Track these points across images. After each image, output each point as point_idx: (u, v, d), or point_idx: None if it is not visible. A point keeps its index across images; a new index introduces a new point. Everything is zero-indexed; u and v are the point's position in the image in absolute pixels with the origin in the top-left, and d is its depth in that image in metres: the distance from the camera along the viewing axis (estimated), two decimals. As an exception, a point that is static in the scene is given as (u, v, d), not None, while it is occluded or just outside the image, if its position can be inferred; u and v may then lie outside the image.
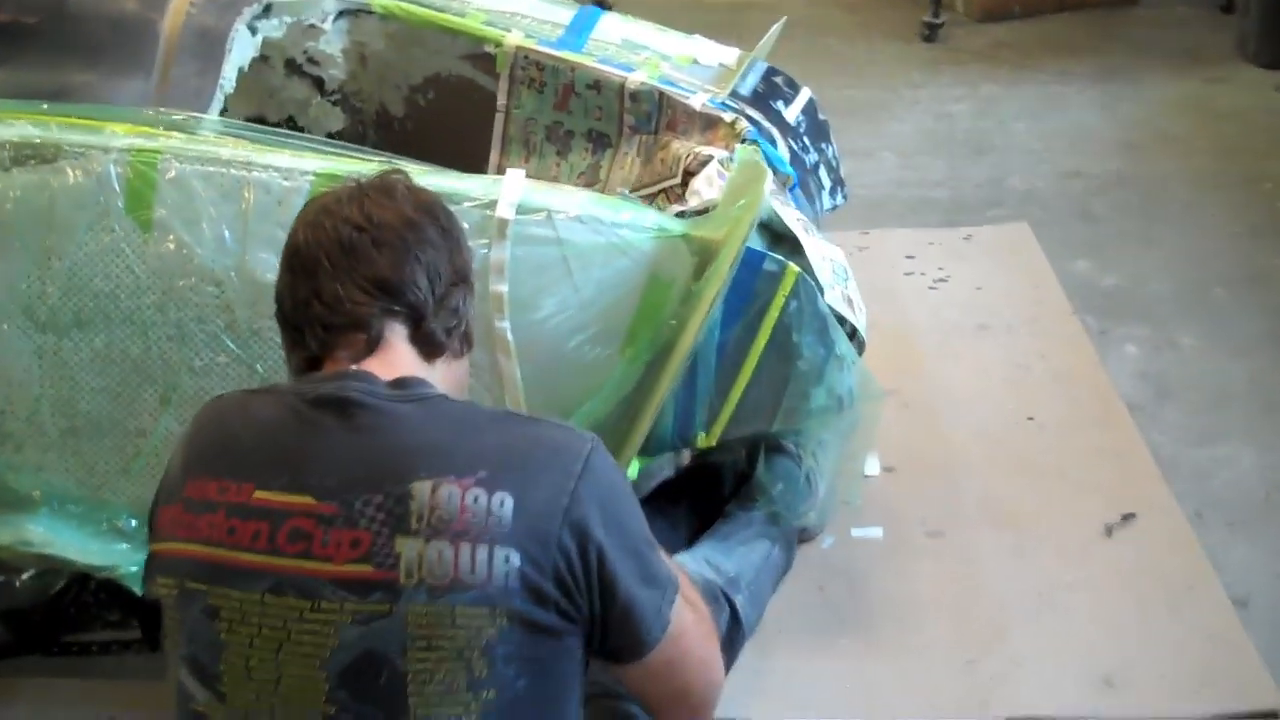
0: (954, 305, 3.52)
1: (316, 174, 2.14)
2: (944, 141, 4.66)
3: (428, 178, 2.16)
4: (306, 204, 1.76)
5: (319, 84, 3.20)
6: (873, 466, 2.84)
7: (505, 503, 1.47)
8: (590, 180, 3.11)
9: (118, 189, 2.09)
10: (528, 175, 3.12)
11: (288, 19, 2.69)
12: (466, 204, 2.15)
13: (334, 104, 3.25)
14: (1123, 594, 2.44)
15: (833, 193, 3.17)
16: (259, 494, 1.51)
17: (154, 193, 2.10)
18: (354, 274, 1.62)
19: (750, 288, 2.24)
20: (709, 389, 2.26)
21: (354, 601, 1.46)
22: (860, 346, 2.47)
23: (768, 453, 2.47)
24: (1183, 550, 2.54)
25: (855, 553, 2.58)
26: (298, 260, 1.67)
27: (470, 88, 3.17)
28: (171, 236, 2.10)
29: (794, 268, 2.25)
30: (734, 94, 2.98)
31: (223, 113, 3.03)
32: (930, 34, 5.68)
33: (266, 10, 2.59)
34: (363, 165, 2.18)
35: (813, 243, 2.42)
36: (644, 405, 2.19)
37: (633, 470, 2.27)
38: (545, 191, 2.22)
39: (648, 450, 2.29)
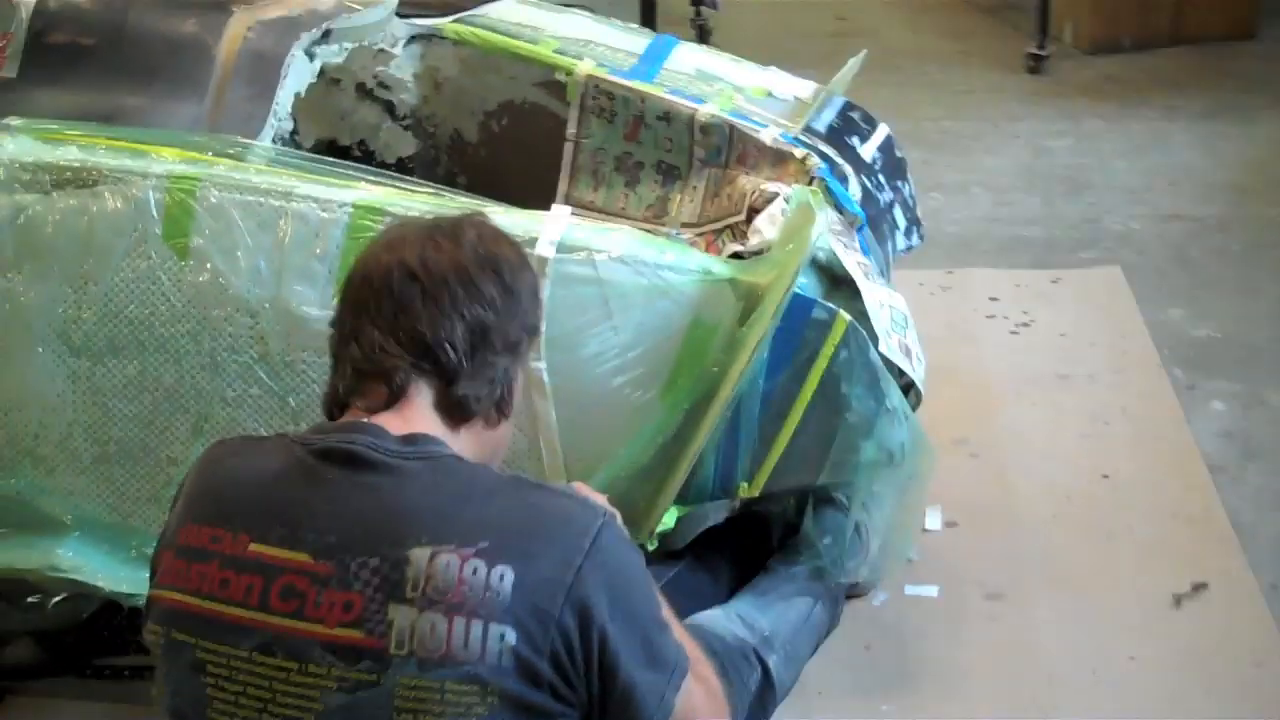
0: (1035, 351, 3.40)
1: (355, 205, 2.10)
2: (1040, 178, 4.53)
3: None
4: (385, 229, 1.73)
5: (390, 108, 3.18)
6: (934, 521, 2.74)
7: (505, 577, 1.40)
8: (658, 213, 3.06)
9: (156, 215, 2.08)
10: (596, 206, 3.14)
11: (348, 45, 2.66)
12: (506, 241, 2.10)
13: (405, 128, 3.22)
14: (1186, 671, 2.31)
15: (908, 233, 3.07)
16: (254, 547, 1.46)
17: (192, 220, 2.08)
18: (395, 324, 1.55)
19: (798, 335, 2.16)
20: (752, 438, 2.18)
21: (341, 668, 1.41)
22: (917, 399, 2.38)
23: (817, 505, 2.38)
24: (1255, 625, 2.40)
25: (907, 611, 2.48)
26: (350, 292, 1.61)
27: (544, 115, 3.13)
28: (208, 265, 2.08)
29: (845, 316, 2.16)
30: (808, 129, 2.91)
31: (292, 134, 3.06)
32: (1035, 65, 5.54)
33: (325, 36, 2.56)
34: (407, 198, 2.15)
35: (872, 288, 2.34)
36: (682, 452, 2.12)
37: (670, 518, 2.20)
38: (588, 230, 2.16)
39: (687, 499, 2.22)
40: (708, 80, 3.03)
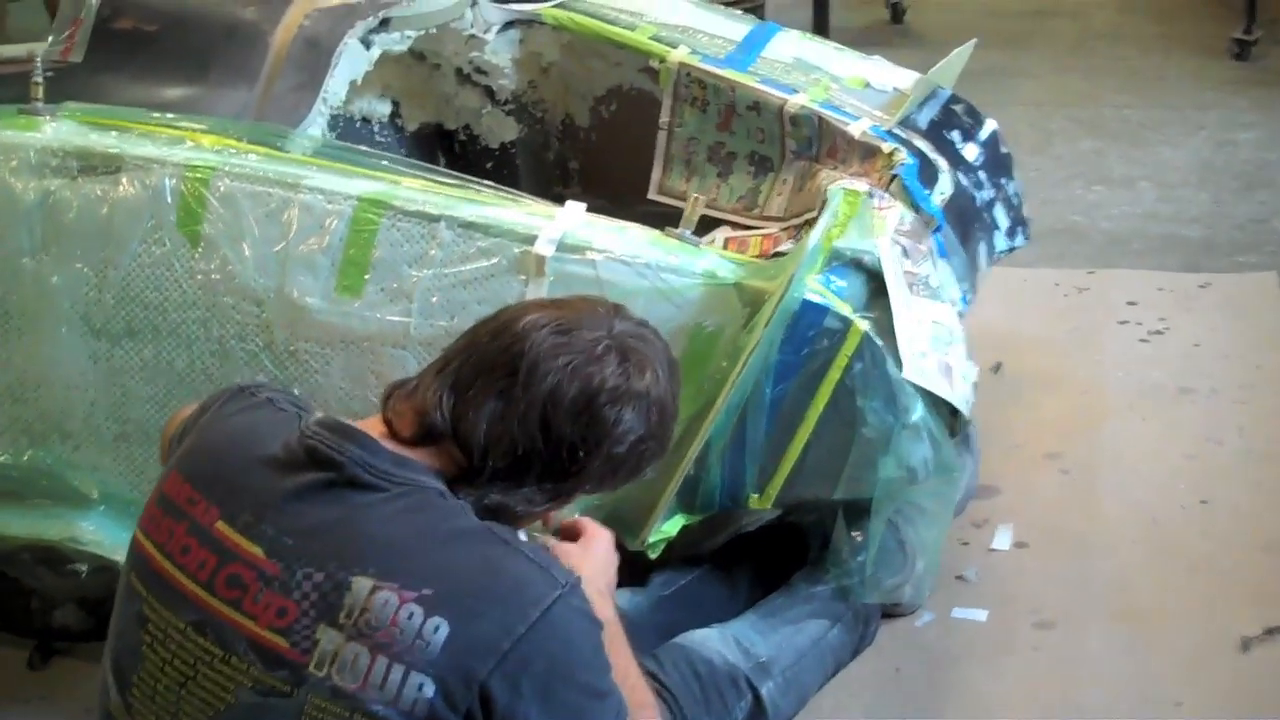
0: (1161, 362, 3.18)
1: (360, 198, 2.10)
2: (1215, 173, 4.25)
3: (471, 208, 2.10)
4: (580, 302, 1.61)
5: (490, 93, 3.17)
6: (1003, 540, 2.59)
7: (440, 629, 1.38)
8: (749, 205, 2.98)
9: (170, 203, 2.11)
10: (689, 195, 3.08)
11: (410, 33, 2.66)
12: (506, 239, 2.06)
13: (508, 113, 3.21)
14: (1240, 721, 2.12)
15: (1011, 233, 2.91)
16: (220, 525, 1.47)
17: (204, 209, 2.11)
18: (474, 389, 1.50)
19: (809, 343, 2.06)
20: (759, 448, 2.10)
21: (259, 669, 1.42)
22: (962, 423, 2.24)
23: (852, 517, 2.26)
24: (1328, 678, 2.19)
25: (949, 635, 2.35)
26: (488, 336, 1.55)
27: (651, 102, 3.08)
28: (217, 253, 2.11)
29: (860, 327, 2.06)
30: (905, 122, 2.78)
31: (393, 117, 3.09)
32: (1241, 51, 5.20)
33: (385, 24, 2.57)
34: (420, 192, 2.13)
35: (909, 304, 2.21)
36: (679, 461, 2.05)
37: (673, 527, 2.13)
38: (596, 228, 2.10)
39: (693, 508, 2.15)
40: (805, 70, 2.93)
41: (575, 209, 2.14)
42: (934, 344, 2.23)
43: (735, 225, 2.92)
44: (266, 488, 1.47)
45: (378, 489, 1.45)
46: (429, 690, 1.36)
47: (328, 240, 2.08)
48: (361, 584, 1.39)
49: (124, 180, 2.12)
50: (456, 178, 2.22)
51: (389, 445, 1.49)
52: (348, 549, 1.41)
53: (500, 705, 1.37)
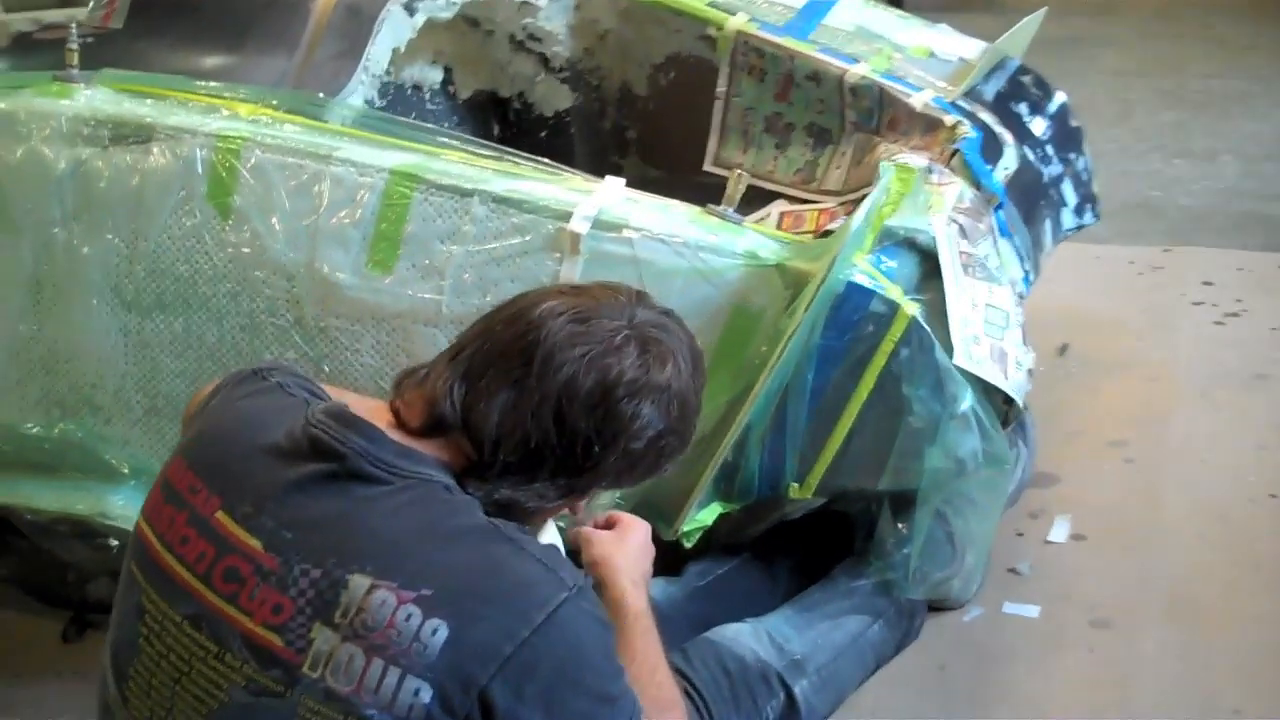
0: (1236, 346, 3.06)
1: (393, 171, 2.04)
2: (1304, 147, 4.09)
3: (507, 181, 2.03)
4: (601, 290, 1.53)
5: (544, 60, 3.10)
6: (1060, 533, 2.49)
7: (439, 632, 1.31)
8: (806, 178, 2.90)
9: (201, 174, 2.07)
10: (745, 168, 2.99)
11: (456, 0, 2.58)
12: (541, 215, 2.00)
13: (563, 81, 3.14)
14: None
15: (1079, 210, 2.80)
16: (220, 515, 1.41)
17: (235, 180, 2.06)
18: (487, 379, 1.42)
19: (854, 328, 1.98)
20: (800, 436, 2.02)
21: (253, 668, 1.36)
22: (1015, 412, 2.14)
23: (899, 508, 2.18)
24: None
25: (998, 632, 2.26)
26: (502, 324, 1.47)
27: (710, 69, 2.99)
28: (247, 226, 2.06)
29: (906, 311, 1.97)
30: (971, 93, 2.68)
31: (444, 84, 3.03)
32: (1335, 20, 5.00)
33: (429, -11, 2.50)
34: (455, 165, 2.07)
35: (964, 287, 2.11)
36: (715, 447, 1.98)
37: (710, 515, 2.06)
38: (635, 205, 2.03)
39: (731, 496, 2.08)
40: (867, 38, 2.83)
41: (614, 184, 2.07)
42: (988, 329, 2.13)
43: (792, 199, 2.84)
44: (268, 478, 1.41)
45: (381, 482, 1.38)
46: (425, 695, 1.31)
47: (360, 214, 2.03)
48: (359, 582, 1.33)
49: (155, 150, 2.09)
50: (496, 150, 2.15)
51: (396, 436, 1.42)
52: (347, 545, 1.35)
53: (501, 711, 1.31)
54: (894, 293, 2.01)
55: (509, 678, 1.31)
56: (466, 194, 2.02)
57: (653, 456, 1.48)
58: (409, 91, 2.92)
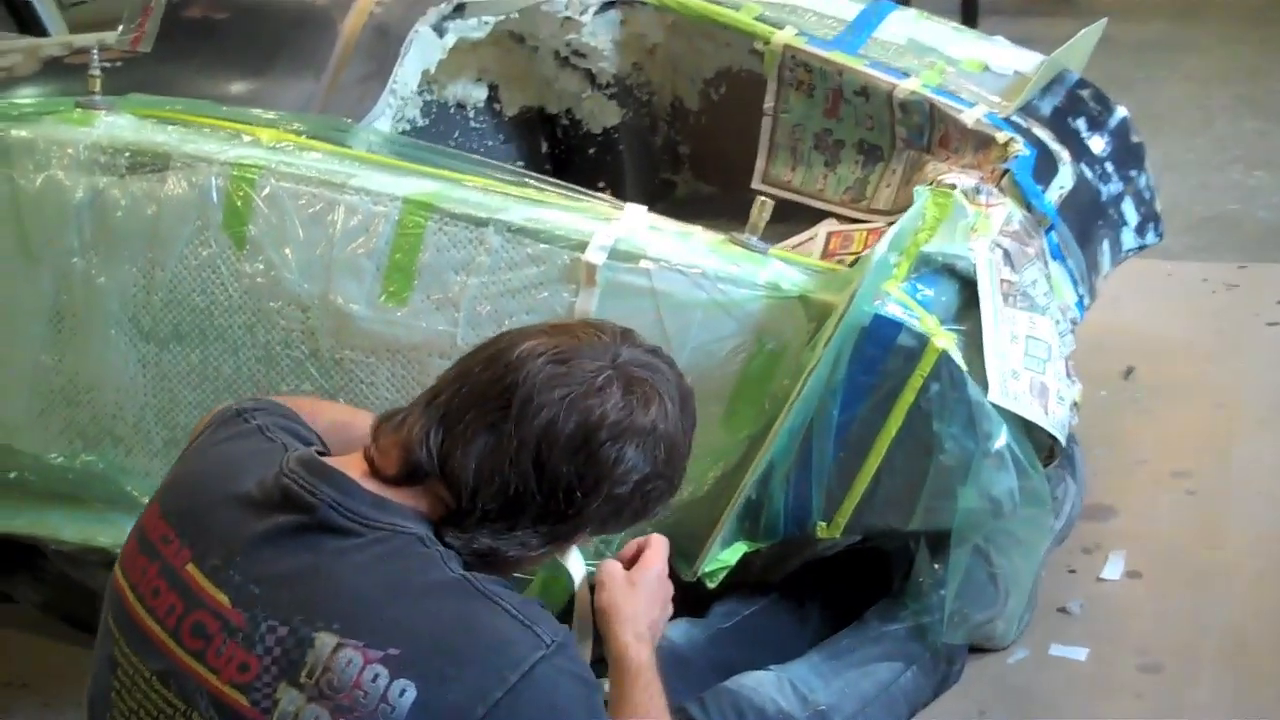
0: (1311, 372, 2.92)
1: (406, 199, 1.99)
2: (1392, 159, 3.91)
3: (525, 209, 1.98)
4: (584, 328, 1.46)
5: (591, 76, 3.05)
6: (1114, 570, 2.38)
7: (406, 693, 1.26)
8: (856, 196, 2.82)
9: (216, 203, 2.04)
10: (793, 187, 2.92)
11: (488, 19, 2.53)
12: (556, 245, 1.94)
13: (609, 97, 3.08)
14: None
15: (1141, 230, 2.69)
16: (190, 568, 1.38)
17: (250, 210, 2.03)
18: (464, 424, 1.36)
19: (880, 363, 1.89)
20: (826, 473, 1.94)
21: None
22: (1058, 448, 2.04)
23: (937, 546, 2.08)
24: None
25: (1043, 675, 2.16)
26: (482, 355, 1.42)
27: (762, 84, 2.93)
28: (262, 256, 2.03)
29: (937, 345, 1.88)
30: (1026, 109, 2.58)
31: (489, 102, 2.98)
32: None
33: (459, 10, 2.45)
34: (472, 192, 2.01)
35: (1003, 319, 2.01)
36: (737, 485, 1.91)
37: (733, 555, 1.99)
38: (654, 234, 1.96)
39: (756, 535, 2.00)
40: (919, 52, 2.74)
41: (636, 211, 2.01)
42: (1029, 361, 2.03)
43: (842, 218, 2.76)
44: (237, 529, 1.36)
45: (353, 534, 1.33)
46: None
47: (374, 244, 1.98)
48: (325, 640, 1.28)
49: (171, 178, 2.06)
50: (521, 175, 2.10)
51: (370, 485, 1.37)
52: (314, 601, 1.30)
53: None
54: (928, 323, 1.92)
55: None
56: (482, 223, 1.96)
57: (639, 501, 1.41)
58: (452, 109, 2.88)
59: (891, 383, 1.90)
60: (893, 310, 1.90)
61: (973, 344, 1.95)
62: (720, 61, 3.06)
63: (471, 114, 2.95)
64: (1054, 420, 2.01)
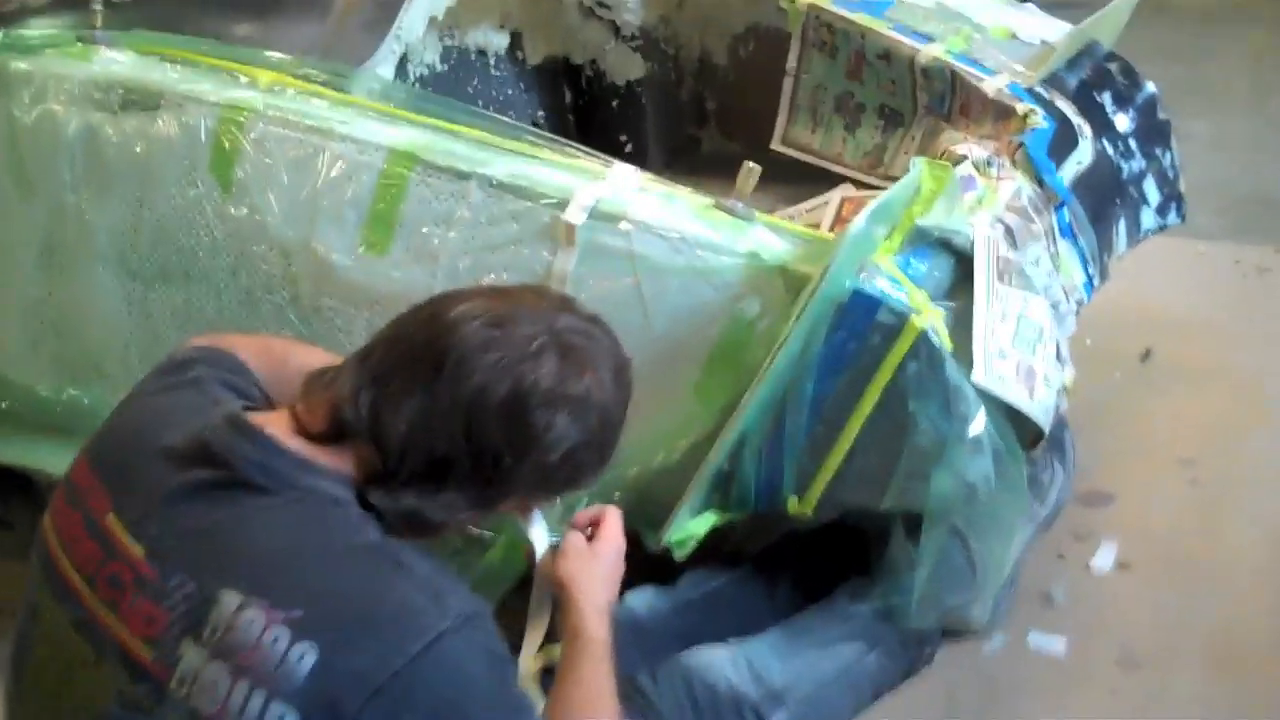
0: (1338, 363, 2.84)
1: (391, 149, 1.97)
2: None
3: (510, 164, 1.95)
4: (526, 293, 1.45)
5: (615, 28, 3.01)
6: (1104, 560, 2.33)
7: (306, 657, 1.25)
8: (874, 162, 2.78)
9: (205, 144, 2.03)
10: (813, 149, 2.88)
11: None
12: (537, 202, 1.91)
13: (634, 49, 3.05)
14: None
15: (1162, 209, 2.62)
16: (110, 519, 1.37)
17: (238, 153, 2.02)
18: (396, 384, 1.35)
19: (858, 338, 1.85)
20: (799, 447, 1.91)
21: (124, 680, 1.32)
22: (1037, 435, 1.99)
23: (913, 526, 2.04)
24: None
25: (1017, 665, 2.13)
26: (419, 315, 1.41)
27: (789, 42, 2.87)
28: (248, 200, 2.02)
29: (916, 322, 1.83)
30: (1052, 80, 2.52)
31: (510, 50, 2.96)
32: None
33: (472, -46, 2.42)
34: (459, 144, 1.98)
35: (997, 293, 1.97)
36: (706, 454, 1.89)
37: (701, 526, 1.96)
38: (639, 195, 1.92)
39: (727, 506, 1.98)
40: (946, 17, 2.69)
41: (625, 171, 1.98)
42: (1018, 342, 1.99)
43: (859, 184, 2.72)
44: (158, 482, 1.35)
45: (269, 492, 1.32)
46: None
47: (356, 192, 1.97)
48: (229, 599, 1.27)
49: (162, 118, 2.05)
50: (519, 129, 2.07)
51: (295, 444, 1.36)
52: (221, 559, 1.30)
53: None
54: (916, 298, 1.87)
55: (382, 709, 1.24)
56: (464, 177, 1.94)
57: (568, 470, 1.40)
58: (473, 56, 2.86)
59: (868, 359, 1.86)
60: (880, 284, 1.86)
61: (962, 321, 1.91)
62: (749, 18, 3.03)
63: (492, 61, 2.93)
64: (1038, 404, 1.97)
